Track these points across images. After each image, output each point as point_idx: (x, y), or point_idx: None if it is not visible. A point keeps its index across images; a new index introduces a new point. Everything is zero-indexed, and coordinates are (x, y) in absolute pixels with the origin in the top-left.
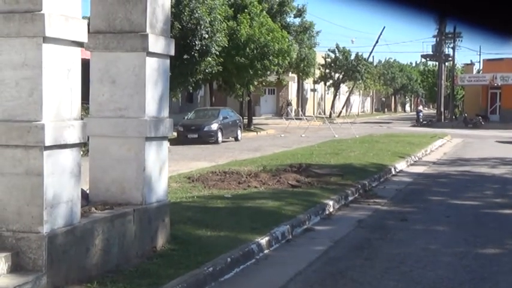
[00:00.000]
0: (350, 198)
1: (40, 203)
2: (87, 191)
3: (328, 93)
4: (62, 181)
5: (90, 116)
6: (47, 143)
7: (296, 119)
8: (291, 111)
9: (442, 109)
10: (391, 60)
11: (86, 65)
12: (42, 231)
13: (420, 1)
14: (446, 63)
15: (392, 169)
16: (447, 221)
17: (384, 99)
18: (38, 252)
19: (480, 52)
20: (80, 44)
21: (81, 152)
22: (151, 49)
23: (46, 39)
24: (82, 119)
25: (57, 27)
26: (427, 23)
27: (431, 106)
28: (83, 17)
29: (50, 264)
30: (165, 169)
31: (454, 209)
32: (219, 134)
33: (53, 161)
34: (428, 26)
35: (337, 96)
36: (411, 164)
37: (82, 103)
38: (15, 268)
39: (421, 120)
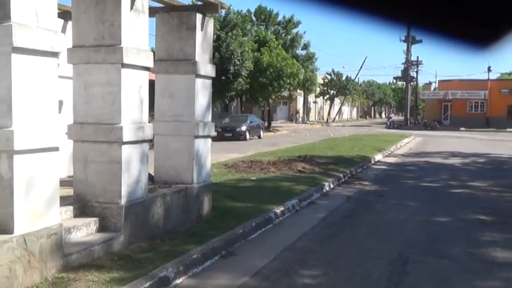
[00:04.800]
0: (341, 180)
1: (119, 182)
2: (153, 174)
3: (325, 105)
4: (135, 167)
5: (155, 120)
6: (124, 140)
7: (302, 123)
8: (299, 117)
9: (408, 116)
10: (371, 81)
11: (152, 83)
12: (121, 202)
13: (390, 15)
14: (412, 83)
15: (372, 159)
16: (413, 197)
17: (366, 108)
18: (117, 218)
19: (436, 75)
20: (147, 69)
21: (148, 146)
22: (198, 72)
23: (124, 65)
24: (149, 122)
25: (131, 57)
26: (397, 31)
27: (400, 114)
28: (151, 49)
29: (126, 226)
30: (209, 158)
31: (418, 189)
32: (247, 134)
33: (128, 152)
34: (398, 34)
35: (332, 107)
36: (386, 156)
37: (149, 111)
38: (101, 229)
39: (389, 124)
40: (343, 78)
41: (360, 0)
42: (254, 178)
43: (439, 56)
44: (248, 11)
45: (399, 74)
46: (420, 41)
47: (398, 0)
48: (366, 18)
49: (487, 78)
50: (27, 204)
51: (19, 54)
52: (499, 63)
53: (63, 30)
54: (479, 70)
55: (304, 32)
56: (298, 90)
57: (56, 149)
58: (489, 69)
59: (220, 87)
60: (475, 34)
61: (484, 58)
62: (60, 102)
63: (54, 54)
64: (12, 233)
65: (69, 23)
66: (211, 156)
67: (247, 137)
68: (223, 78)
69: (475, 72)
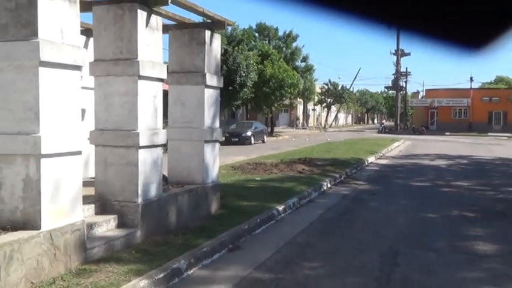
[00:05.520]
0: (338, 180)
1: (136, 183)
2: (167, 175)
3: (323, 112)
4: (150, 169)
5: (168, 126)
6: (141, 144)
7: (302, 128)
8: (299, 124)
9: (398, 122)
10: (365, 90)
11: (165, 93)
12: (138, 201)
13: (380, 17)
14: (401, 92)
15: (366, 161)
16: (403, 195)
17: (360, 115)
18: (134, 215)
19: (423, 84)
20: (161, 80)
21: (163, 150)
22: (208, 83)
23: (140, 77)
24: (163, 128)
25: (147, 69)
26: (387, 40)
27: (391, 120)
28: (164, 62)
29: (142, 223)
30: (217, 161)
31: (407, 188)
32: (252, 138)
33: (144, 155)
34: (390, 44)
35: (329, 114)
36: (378, 158)
37: (163, 118)
38: (120, 225)
39: (381, 129)
40: (339, 87)
41: (349, 3)
42: (258, 179)
43: (429, 63)
44: (250, 27)
45: (390, 83)
46: (409, 54)
47: (387, 3)
48: (357, 21)
49: (469, 87)
50: (53, 202)
51: (45, 68)
52: (481, 73)
53: (85, 45)
54: (463, 80)
55: (303, 46)
56: (298, 99)
57: (79, 152)
58: (471, 79)
59: (228, 96)
60: (471, 34)
61: (480, 59)
62: (83, 111)
63: (77, 68)
64: (40, 229)
65: (91, 40)
66: (220, 159)
67: (252, 141)
68: (230, 88)
69: (459, 81)
